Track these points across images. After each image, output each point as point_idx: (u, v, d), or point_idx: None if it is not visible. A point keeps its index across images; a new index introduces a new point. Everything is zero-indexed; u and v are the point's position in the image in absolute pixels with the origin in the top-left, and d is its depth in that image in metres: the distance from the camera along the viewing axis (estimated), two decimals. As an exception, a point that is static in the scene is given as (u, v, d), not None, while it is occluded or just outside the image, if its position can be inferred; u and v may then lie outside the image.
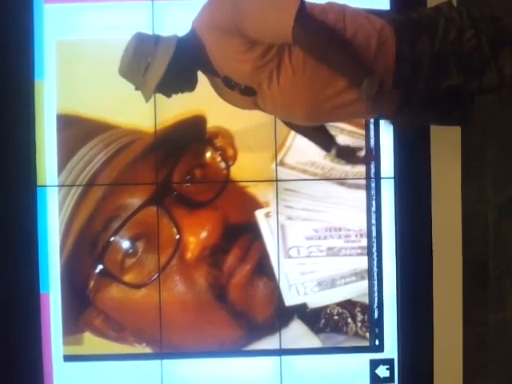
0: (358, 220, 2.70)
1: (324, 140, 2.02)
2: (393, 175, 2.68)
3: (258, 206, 2.68)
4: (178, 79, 1.72)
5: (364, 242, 2.70)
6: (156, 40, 1.71)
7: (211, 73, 1.78)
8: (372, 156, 1.91)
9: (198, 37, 1.70)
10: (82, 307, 2.66)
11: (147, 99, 1.75)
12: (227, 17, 1.62)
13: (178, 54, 1.70)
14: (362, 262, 2.71)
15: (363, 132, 2.68)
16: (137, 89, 1.75)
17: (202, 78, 1.85)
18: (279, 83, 1.69)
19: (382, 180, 2.69)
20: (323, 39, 1.58)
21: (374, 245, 2.70)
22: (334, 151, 2.00)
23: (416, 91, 1.69)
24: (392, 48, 1.66)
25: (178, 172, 2.67)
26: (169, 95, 1.78)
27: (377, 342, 2.71)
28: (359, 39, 1.65)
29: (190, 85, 1.76)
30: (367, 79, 1.57)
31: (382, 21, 1.68)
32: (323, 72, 1.66)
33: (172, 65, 1.68)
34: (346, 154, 2.01)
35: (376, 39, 1.65)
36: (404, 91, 1.65)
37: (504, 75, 1.68)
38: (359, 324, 2.72)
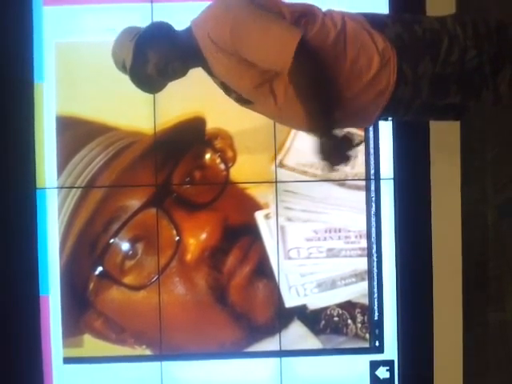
0: (357, 221, 2.70)
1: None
2: (392, 176, 2.68)
3: (258, 207, 2.68)
4: (171, 75, 1.72)
5: (364, 243, 2.70)
6: (133, 37, 1.71)
7: (210, 73, 1.77)
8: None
9: (196, 41, 1.69)
10: (81, 309, 2.66)
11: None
12: (225, 37, 1.60)
13: (174, 52, 1.69)
14: (362, 263, 2.70)
15: (362, 133, 2.68)
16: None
17: (201, 80, 1.85)
18: (277, 102, 1.68)
19: (381, 181, 2.69)
20: (314, 78, 1.58)
21: (374, 246, 2.70)
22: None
23: (413, 107, 1.69)
24: (393, 70, 1.65)
25: (178, 174, 2.67)
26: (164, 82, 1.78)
27: (377, 344, 2.71)
28: (361, 62, 1.64)
29: (182, 75, 1.75)
30: (325, 140, 1.60)
31: (385, 39, 1.66)
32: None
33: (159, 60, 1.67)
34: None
35: (378, 62, 1.64)
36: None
37: (500, 95, 1.68)
38: (359, 325, 2.71)
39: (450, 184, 2.60)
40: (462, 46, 1.65)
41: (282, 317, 2.69)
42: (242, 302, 2.68)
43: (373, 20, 1.71)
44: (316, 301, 2.70)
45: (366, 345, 2.72)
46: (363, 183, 2.70)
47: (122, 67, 1.72)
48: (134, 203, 2.66)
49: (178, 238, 2.67)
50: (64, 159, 2.65)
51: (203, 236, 2.67)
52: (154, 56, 1.68)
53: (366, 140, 2.68)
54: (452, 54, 1.64)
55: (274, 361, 2.69)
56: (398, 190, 2.67)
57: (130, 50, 1.67)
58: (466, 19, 1.70)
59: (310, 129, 1.65)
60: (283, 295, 2.69)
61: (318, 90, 1.59)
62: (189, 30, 1.71)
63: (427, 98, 1.67)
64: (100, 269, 2.66)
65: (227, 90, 1.76)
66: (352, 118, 1.74)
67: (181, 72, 1.73)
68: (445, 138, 2.56)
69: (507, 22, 1.72)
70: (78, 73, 2.64)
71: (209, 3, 1.72)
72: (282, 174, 2.67)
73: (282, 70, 1.59)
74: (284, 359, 2.69)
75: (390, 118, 1.89)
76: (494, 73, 1.67)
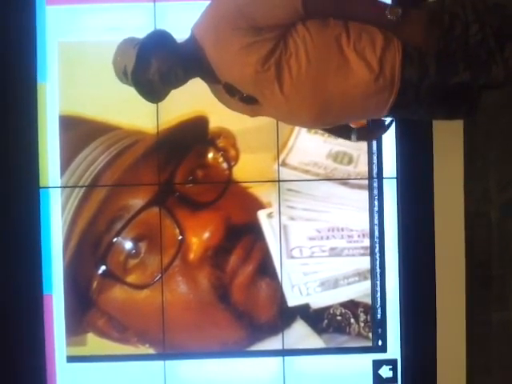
0: (360, 220, 2.70)
1: (343, 130, 1.98)
2: (395, 175, 2.68)
3: (261, 206, 2.68)
4: (172, 82, 1.73)
5: (367, 242, 2.70)
6: (135, 44, 1.71)
7: (212, 79, 1.77)
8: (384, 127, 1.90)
9: (198, 43, 1.70)
10: (85, 308, 2.67)
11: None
12: (230, 9, 1.61)
13: (176, 60, 1.70)
14: (365, 262, 2.70)
15: (365, 132, 2.67)
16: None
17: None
18: (283, 89, 1.67)
19: (384, 180, 2.69)
20: None
21: (377, 245, 2.69)
22: (354, 137, 1.97)
23: (422, 90, 1.68)
24: (398, 48, 1.64)
25: (181, 173, 2.67)
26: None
27: (380, 343, 2.71)
28: (364, 41, 1.64)
29: (183, 82, 1.76)
30: (390, 8, 1.59)
31: None
32: (328, 72, 1.65)
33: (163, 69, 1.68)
34: (365, 134, 2.00)
35: (381, 40, 1.64)
36: (410, 90, 1.66)
37: (510, 68, 1.67)
38: (362, 324, 2.71)
39: (452, 183, 2.59)
40: (463, 22, 1.64)
41: (285, 316, 2.70)
42: (244, 301, 2.68)
43: None
44: (319, 300, 2.70)
45: (369, 344, 2.72)
46: (366, 182, 2.69)
47: (123, 73, 1.71)
48: (137, 202, 2.67)
49: (180, 237, 2.67)
50: (67, 158, 2.65)
51: (206, 235, 2.67)
52: (157, 61, 1.68)
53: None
54: (454, 29, 1.64)
55: (277, 360, 2.70)
56: (400, 189, 2.67)
57: (133, 55, 1.67)
58: (464, 0, 1.71)
59: (378, 19, 1.64)
60: (286, 294, 2.69)
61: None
62: (190, 36, 1.73)
63: (435, 77, 1.65)
64: (103, 268, 2.67)
65: (231, 91, 1.75)
66: (364, 109, 1.73)
67: (182, 78, 1.74)
68: (448, 137, 2.55)
69: (505, 1, 1.72)
70: (80, 72, 2.64)
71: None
72: (285, 173, 2.67)
73: (295, 8, 1.59)
74: (287, 358, 2.70)
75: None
76: (501, 47, 1.65)
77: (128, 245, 2.67)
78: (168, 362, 2.69)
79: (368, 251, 2.70)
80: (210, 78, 1.76)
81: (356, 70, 1.64)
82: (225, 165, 2.69)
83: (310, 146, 2.67)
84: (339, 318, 2.70)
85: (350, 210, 2.70)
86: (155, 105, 2.59)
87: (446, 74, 1.66)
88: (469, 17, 1.65)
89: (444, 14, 1.66)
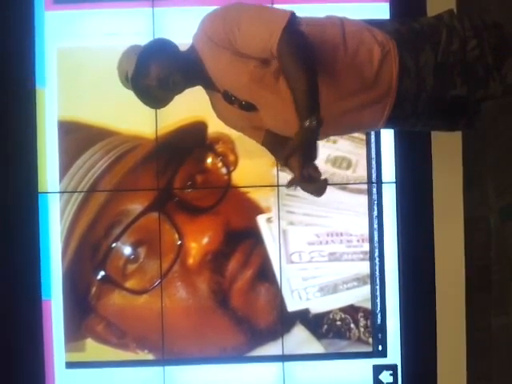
0: (359, 225, 2.70)
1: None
2: (394, 180, 2.68)
3: (260, 211, 2.68)
4: (170, 89, 1.74)
5: (366, 246, 2.70)
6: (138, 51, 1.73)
7: (211, 87, 1.78)
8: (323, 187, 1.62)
9: (197, 53, 1.72)
10: (83, 314, 2.66)
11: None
12: (219, 29, 1.64)
13: (178, 69, 1.71)
14: (364, 267, 2.70)
15: (363, 137, 2.67)
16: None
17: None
18: (279, 96, 1.68)
19: (383, 185, 2.69)
20: (303, 60, 1.54)
21: (376, 250, 2.69)
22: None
23: (420, 102, 1.68)
24: (395, 60, 1.65)
25: (179, 178, 2.67)
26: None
27: (380, 348, 2.70)
28: (361, 54, 1.64)
29: (181, 90, 1.78)
30: (314, 117, 1.48)
31: (384, 33, 1.67)
32: (323, 84, 1.65)
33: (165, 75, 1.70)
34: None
35: (379, 53, 1.64)
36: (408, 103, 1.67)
37: (508, 85, 1.68)
38: (362, 329, 2.71)
39: (452, 188, 2.60)
40: (461, 37, 1.65)
41: (285, 321, 2.69)
42: (244, 307, 2.68)
43: (371, 22, 1.74)
44: (318, 305, 2.69)
45: (369, 349, 2.71)
46: (365, 187, 2.69)
47: (125, 78, 1.74)
48: (136, 207, 2.66)
49: (179, 242, 2.67)
50: (66, 164, 2.65)
51: (205, 240, 2.67)
52: (156, 67, 1.70)
53: (368, 144, 2.68)
54: (452, 43, 1.65)
55: (277, 365, 2.69)
56: (400, 193, 2.67)
57: (134, 60, 1.70)
58: (461, 15, 1.72)
59: (299, 118, 1.52)
60: (285, 299, 2.68)
61: (308, 69, 1.53)
62: (191, 46, 1.75)
63: (432, 90, 1.66)
64: (102, 273, 2.66)
65: (230, 99, 1.76)
66: (359, 121, 1.73)
67: (181, 85, 1.75)
68: (447, 142, 2.55)
69: (502, 22, 1.73)
70: (79, 78, 2.64)
71: (208, 8, 1.74)
72: (284, 178, 2.67)
73: (272, 47, 1.57)
74: (287, 364, 2.69)
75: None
76: (498, 63, 1.66)
77: (127, 250, 2.67)
78: (167, 368, 2.68)
79: (367, 256, 2.70)
80: (211, 86, 1.77)
81: (352, 84, 1.64)
82: (224, 170, 2.69)
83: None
84: (339, 323, 2.70)
85: (349, 214, 2.70)
86: (154, 110, 2.59)
87: (443, 87, 1.67)
88: (467, 32, 1.66)
89: (443, 28, 1.66)
